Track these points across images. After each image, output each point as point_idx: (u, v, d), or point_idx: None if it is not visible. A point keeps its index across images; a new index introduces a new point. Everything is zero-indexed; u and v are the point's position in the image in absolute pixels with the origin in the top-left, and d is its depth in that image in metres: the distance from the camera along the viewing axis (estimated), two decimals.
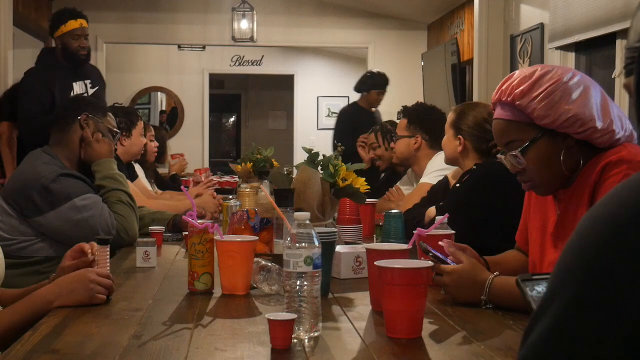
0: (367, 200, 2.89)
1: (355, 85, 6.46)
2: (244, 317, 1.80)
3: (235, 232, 2.36)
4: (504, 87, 1.85)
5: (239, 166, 5.03)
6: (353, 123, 5.97)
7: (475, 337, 1.58)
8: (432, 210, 2.82)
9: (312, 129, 11.17)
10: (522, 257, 2.12)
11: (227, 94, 13.88)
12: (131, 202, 2.97)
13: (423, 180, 3.59)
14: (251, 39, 8.49)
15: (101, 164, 2.99)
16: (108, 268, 2.08)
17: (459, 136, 2.90)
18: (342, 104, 11.34)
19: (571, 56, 4.92)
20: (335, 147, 5.32)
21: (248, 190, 3.64)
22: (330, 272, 2.02)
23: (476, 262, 1.92)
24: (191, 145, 9.83)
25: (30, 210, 2.81)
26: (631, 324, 0.70)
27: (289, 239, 1.59)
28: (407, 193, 3.77)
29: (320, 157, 2.49)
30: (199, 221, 2.07)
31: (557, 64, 4.75)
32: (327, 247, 1.89)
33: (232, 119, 15.30)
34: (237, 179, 5.36)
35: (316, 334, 1.58)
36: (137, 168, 4.51)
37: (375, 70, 6.64)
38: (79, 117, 2.99)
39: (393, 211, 2.60)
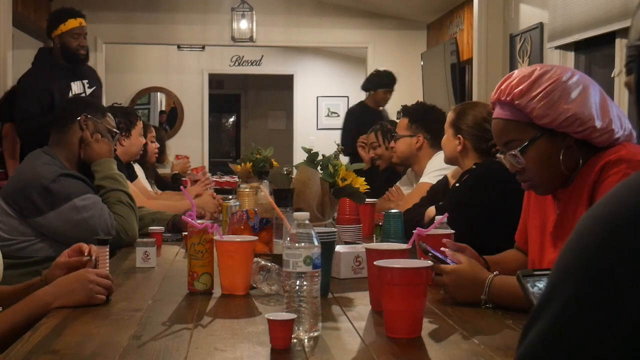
0: (367, 200, 2.89)
1: (362, 84, 6.45)
2: (243, 317, 1.80)
3: (234, 232, 2.36)
4: (503, 87, 1.86)
5: (239, 166, 5.03)
6: (360, 122, 5.96)
7: (475, 336, 1.58)
8: (431, 210, 2.82)
9: (311, 129, 11.18)
10: (522, 256, 2.12)
11: (226, 94, 13.88)
12: (131, 202, 2.97)
13: (423, 180, 3.59)
14: (250, 39, 8.50)
15: (101, 164, 2.99)
16: (107, 268, 2.08)
17: (459, 136, 2.90)
18: (342, 104, 11.38)
19: (570, 55, 4.92)
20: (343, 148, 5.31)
21: (248, 190, 3.64)
22: (329, 272, 2.02)
23: (475, 261, 1.92)
24: (191, 145, 9.83)
25: (30, 210, 2.81)
26: (631, 324, 0.70)
27: (288, 239, 1.58)
28: (406, 193, 3.77)
29: (320, 157, 2.49)
30: (199, 221, 2.06)
31: (557, 64, 4.75)
32: (327, 247, 1.89)
33: (231, 119, 15.30)
34: (236, 179, 5.36)
35: (316, 334, 1.58)
36: (137, 168, 4.51)
37: (381, 69, 6.62)
38: (78, 118, 2.99)
39: (393, 211, 2.60)
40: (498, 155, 1.93)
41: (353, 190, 2.49)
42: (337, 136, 6.58)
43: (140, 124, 4.21)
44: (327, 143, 6.62)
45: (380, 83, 6.30)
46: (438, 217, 2.17)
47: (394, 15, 8.77)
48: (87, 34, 4.91)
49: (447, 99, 7.36)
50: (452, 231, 2.17)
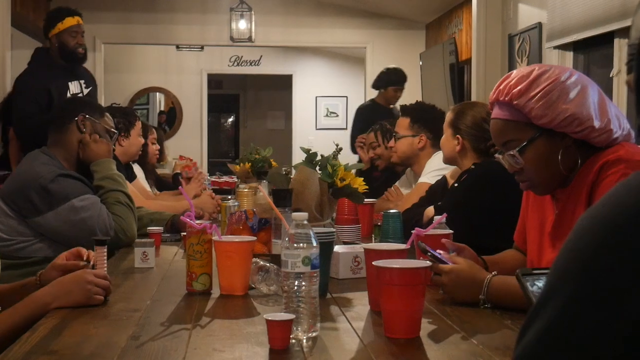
0: (366, 200, 2.89)
1: (372, 83, 6.44)
2: (242, 318, 1.80)
3: (233, 233, 2.36)
4: (501, 87, 1.86)
5: (238, 166, 5.03)
6: (370, 120, 5.94)
7: (474, 336, 1.58)
8: (430, 210, 2.82)
9: (310, 129, 11.18)
10: (520, 256, 2.12)
11: (225, 94, 13.88)
12: (130, 202, 2.97)
13: (421, 180, 3.59)
14: (249, 39, 8.49)
15: (100, 164, 2.99)
16: (105, 269, 2.08)
17: (458, 136, 2.90)
18: (341, 104, 11.39)
19: (569, 55, 4.93)
20: (353, 146, 5.30)
21: (246, 190, 3.64)
22: (328, 272, 2.02)
23: (474, 261, 1.92)
24: (190, 145, 9.83)
25: (28, 210, 2.81)
26: (631, 324, 0.70)
27: (287, 239, 1.58)
28: (405, 193, 3.77)
29: (319, 157, 2.49)
30: (197, 222, 2.06)
31: (555, 63, 4.75)
32: (326, 247, 1.89)
33: (230, 119, 15.30)
34: (235, 180, 5.35)
35: (314, 334, 1.58)
36: (137, 169, 4.51)
37: (392, 66, 6.60)
38: (76, 118, 2.99)
39: (391, 211, 2.60)
40: (497, 155, 1.93)
41: (352, 191, 2.49)
42: (336, 136, 6.57)
43: (139, 125, 4.21)
44: (326, 143, 6.61)
45: (390, 81, 6.28)
46: (437, 217, 2.17)
47: (392, 15, 8.77)
48: (84, 32, 4.91)
49: (446, 99, 7.36)
50: (451, 231, 2.17)
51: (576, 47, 4.84)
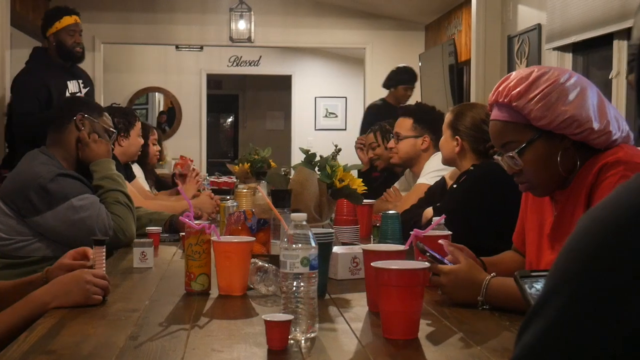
0: (365, 201, 2.89)
1: (383, 82, 6.42)
2: (240, 318, 1.80)
3: (232, 233, 2.36)
4: (500, 89, 1.86)
5: (237, 167, 5.03)
6: (380, 119, 5.92)
7: (472, 338, 1.58)
8: (429, 211, 2.82)
9: (309, 130, 11.18)
10: (519, 258, 2.12)
11: (224, 94, 13.87)
12: (129, 202, 2.97)
13: (420, 181, 3.58)
14: (249, 39, 8.49)
15: (99, 164, 2.99)
16: (104, 269, 2.07)
17: (457, 137, 2.90)
18: (340, 104, 11.38)
19: (568, 57, 4.93)
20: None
21: (245, 191, 3.64)
22: (327, 273, 2.02)
23: (473, 262, 1.92)
24: (189, 145, 9.83)
25: (27, 210, 2.81)
26: (631, 325, 0.70)
27: (286, 239, 1.58)
28: (404, 194, 3.76)
29: (318, 158, 2.49)
30: (196, 222, 2.06)
31: (555, 65, 4.75)
32: (324, 248, 1.89)
33: (229, 120, 15.29)
34: (234, 180, 5.35)
35: (313, 335, 1.58)
36: (137, 169, 4.51)
37: (402, 65, 6.59)
38: (74, 118, 2.99)
39: (390, 212, 2.59)
40: (495, 156, 1.93)
41: (350, 191, 2.49)
42: (335, 137, 6.57)
43: (138, 125, 4.21)
44: (325, 144, 6.62)
45: (400, 80, 6.27)
46: (435, 219, 2.17)
47: (392, 16, 8.77)
48: (82, 31, 4.92)
49: (445, 100, 7.36)
50: (450, 232, 2.17)
51: (575, 48, 4.84)
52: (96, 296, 1.87)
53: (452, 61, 7.40)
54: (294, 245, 1.57)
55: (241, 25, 8.45)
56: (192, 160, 4.92)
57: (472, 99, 6.17)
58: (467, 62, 6.84)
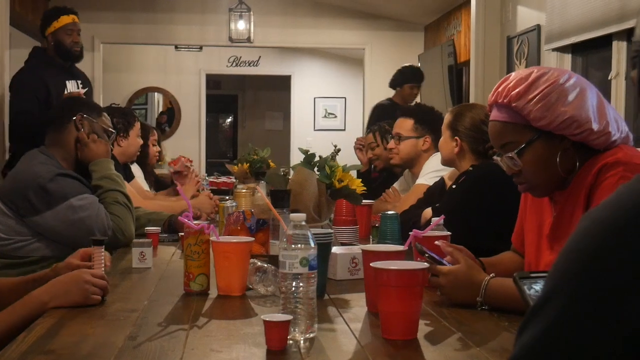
0: (364, 201, 2.89)
1: (389, 83, 6.41)
2: (239, 318, 1.80)
3: (231, 233, 2.36)
4: (500, 89, 1.86)
5: (236, 167, 5.03)
6: (386, 118, 5.91)
7: (471, 338, 1.58)
8: (428, 211, 2.82)
9: (309, 130, 11.18)
10: (518, 258, 2.12)
11: (224, 94, 13.86)
12: (128, 202, 2.97)
13: (419, 181, 3.58)
14: (248, 39, 8.49)
15: (99, 163, 2.99)
16: (103, 269, 2.07)
17: (456, 137, 2.90)
18: (339, 105, 11.38)
19: (568, 58, 4.93)
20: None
21: (244, 191, 3.64)
22: (326, 273, 2.02)
23: (472, 263, 1.92)
24: (188, 145, 9.82)
25: (27, 209, 2.81)
26: (631, 324, 0.70)
27: (285, 240, 1.58)
28: (404, 194, 3.76)
29: (317, 158, 2.49)
30: (195, 222, 2.06)
31: (554, 66, 4.75)
32: (323, 248, 1.88)
33: (229, 120, 15.28)
34: (233, 180, 5.35)
35: (312, 335, 1.58)
36: (136, 168, 4.50)
37: (407, 64, 6.57)
38: (74, 118, 2.98)
39: (389, 212, 2.59)
40: (495, 157, 1.93)
41: (350, 192, 2.49)
42: (334, 137, 6.57)
43: (137, 125, 4.21)
44: (324, 144, 6.63)
45: (406, 79, 6.26)
46: (434, 219, 2.17)
47: (391, 17, 8.77)
48: (80, 30, 4.93)
49: (445, 101, 7.36)
50: (449, 233, 2.17)
51: (574, 49, 4.84)
52: (95, 296, 1.87)
53: (452, 62, 7.40)
54: (293, 246, 1.56)
55: (240, 25, 8.45)
56: (191, 161, 4.92)
57: (471, 100, 6.17)
58: (467, 63, 6.84)
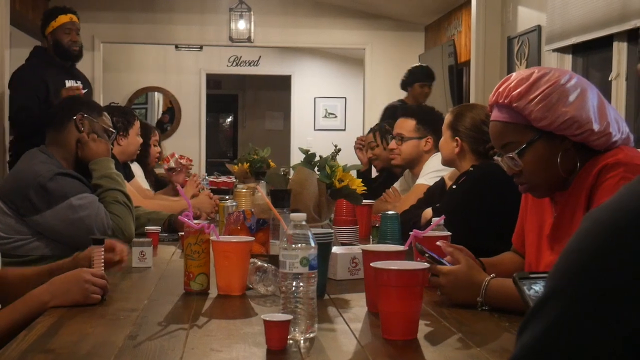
0: (364, 201, 2.89)
1: (400, 85, 6.41)
2: (239, 318, 1.80)
3: (231, 233, 2.36)
4: (501, 89, 1.86)
5: (236, 166, 5.03)
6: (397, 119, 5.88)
7: (471, 339, 1.58)
8: (428, 211, 2.82)
9: (309, 130, 11.18)
10: (519, 259, 2.12)
11: (224, 94, 13.86)
12: (128, 202, 2.96)
13: (419, 181, 3.58)
14: (248, 39, 8.49)
15: (99, 162, 2.98)
16: (103, 268, 2.07)
17: (456, 138, 2.90)
18: (339, 105, 11.38)
19: (568, 58, 4.93)
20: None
21: (245, 190, 3.64)
22: (326, 273, 2.02)
23: (473, 263, 1.92)
24: (188, 145, 9.81)
25: (27, 208, 2.81)
26: (630, 325, 0.70)
27: (285, 239, 1.58)
28: (404, 194, 3.76)
29: (317, 158, 2.49)
30: (195, 221, 2.06)
31: (554, 66, 4.75)
32: (324, 248, 1.88)
33: (229, 120, 15.28)
34: (233, 180, 5.35)
35: (312, 335, 1.58)
36: (136, 168, 4.50)
37: (417, 64, 6.55)
38: (74, 117, 2.98)
39: (389, 212, 2.59)
40: (495, 157, 1.93)
41: (350, 192, 2.49)
42: (334, 137, 6.56)
43: (137, 124, 4.21)
44: (324, 144, 6.63)
45: (416, 78, 6.24)
46: (435, 219, 2.17)
47: (391, 17, 8.77)
48: (79, 30, 4.93)
49: (445, 101, 7.36)
50: (449, 233, 2.17)
51: (575, 50, 4.84)
52: (95, 295, 1.87)
53: (452, 62, 7.40)
54: (293, 245, 1.56)
55: (241, 25, 8.45)
56: (191, 160, 4.92)
57: (472, 100, 6.17)
58: (467, 63, 6.84)
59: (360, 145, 4.76)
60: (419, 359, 1.49)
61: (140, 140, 4.26)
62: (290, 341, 1.53)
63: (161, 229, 3.05)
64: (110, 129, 3.10)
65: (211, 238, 2.03)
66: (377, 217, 2.79)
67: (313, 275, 1.58)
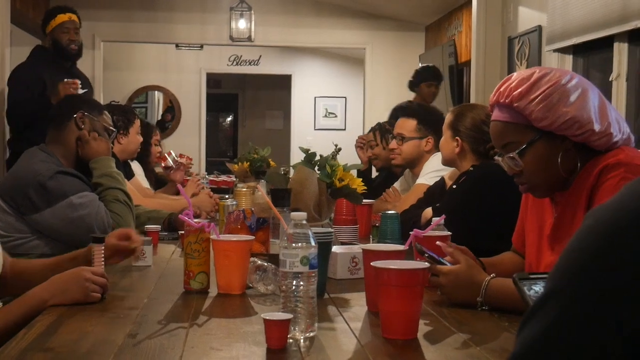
0: (364, 200, 2.89)
1: (408, 86, 6.40)
2: (239, 317, 1.80)
3: (231, 232, 2.35)
4: (502, 89, 1.85)
5: (236, 166, 5.03)
6: None
7: (471, 338, 1.58)
8: (428, 211, 2.82)
9: (309, 129, 11.18)
10: (519, 259, 2.11)
11: (224, 93, 13.86)
12: (128, 200, 2.96)
13: (419, 181, 3.58)
14: (249, 38, 8.49)
15: (99, 161, 2.98)
16: (103, 266, 2.07)
17: (457, 137, 2.90)
18: (339, 104, 11.38)
19: (569, 59, 4.93)
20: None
21: (245, 189, 3.64)
22: (326, 273, 2.02)
23: (473, 263, 1.92)
24: (188, 144, 9.81)
25: (26, 207, 2.80)
26: (630, 325, 0.70)
27: (285, 239, 1.58)
28: (404, 194, 3.76)
29: (317, 158, 2.49)
30: (195, 220, 2.06)
31: (555, 67, 4.75)
32: (324, 247, 1.88)
33: (229, 119, 15.29)
34: (233, 179, 5.35)
35: (312, 334, 1.58)
36: (137, 166, 4.50)
37: (424, 64, 6.54)
38: (74, 116, 2.98)
39: (390, 212, 2.59)
40: (496, 157, 1.93)
41: (350, 191, 2.49)
42: (334, 136, 6.55)
43: (137, 123, 4.21)
44: (325, 143, 6.61)
45: (423, 77, 6.23)
46: (435, 219, 2.17)
47: (392, 17, 8.77)
48: (78, 29, 4.93)
49: (445, 101, 7.36)
50: (449, 233, 2.17)
51: (576, 50, 4.84)
52: (95, 294, 1.87)
53: (452, 62, 7.40)
54: (293, 244, 1.56)
55: (241, 24, 8.45)
56: (191, 159, 4.92)
57: (472, 100, 6.17)
58: (467, 63, 6.84)
59: (362, 144, 4.76)
60: (418, 359, 1.49)
61: (141, 139, 4.25)
62: (290, 340, 1.53)
63: (161, 227, 3.05)
64: (111, 127, 3.10)
65: (211, 237, 2.03)
66: (377, 217, 2.79)
67: (313, 275, 1.58)
